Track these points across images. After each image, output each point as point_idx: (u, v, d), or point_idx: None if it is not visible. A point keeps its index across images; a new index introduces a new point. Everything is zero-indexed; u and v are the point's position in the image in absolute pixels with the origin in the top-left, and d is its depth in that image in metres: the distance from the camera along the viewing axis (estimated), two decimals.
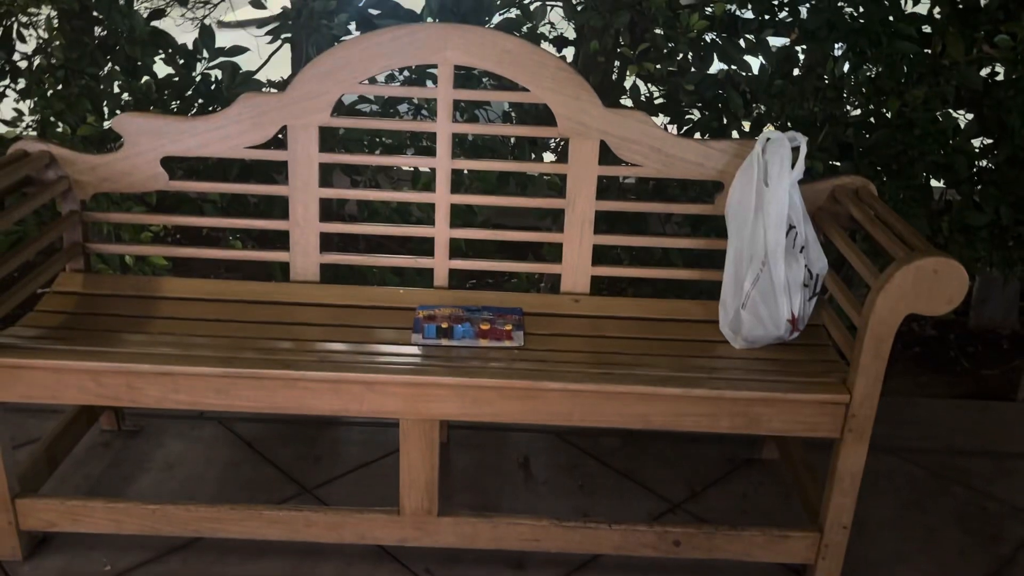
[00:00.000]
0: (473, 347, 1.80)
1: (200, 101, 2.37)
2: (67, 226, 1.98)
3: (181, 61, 2.35)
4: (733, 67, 2.29)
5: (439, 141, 1.95)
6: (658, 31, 2.20)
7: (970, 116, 2.32)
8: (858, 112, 2.33)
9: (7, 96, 2.48)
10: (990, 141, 2.32)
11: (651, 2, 2.12)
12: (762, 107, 2.31)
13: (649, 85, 2.41)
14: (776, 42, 2.30)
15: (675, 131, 2.30)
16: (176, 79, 2.35)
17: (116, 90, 2.39)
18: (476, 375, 1.67)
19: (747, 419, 1.68)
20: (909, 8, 2.24)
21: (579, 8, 2.28)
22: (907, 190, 2.25)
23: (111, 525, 1.79)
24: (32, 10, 2.44)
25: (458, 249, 2.04)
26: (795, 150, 1.83)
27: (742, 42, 2.27)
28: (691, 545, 1.79)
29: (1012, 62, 2.17)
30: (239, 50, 2.36)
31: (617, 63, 2.40)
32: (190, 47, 2.36)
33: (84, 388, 1.68)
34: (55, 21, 2.45)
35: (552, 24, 2.41)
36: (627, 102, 2.38)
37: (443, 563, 1.84)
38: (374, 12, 2.39)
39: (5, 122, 2.45)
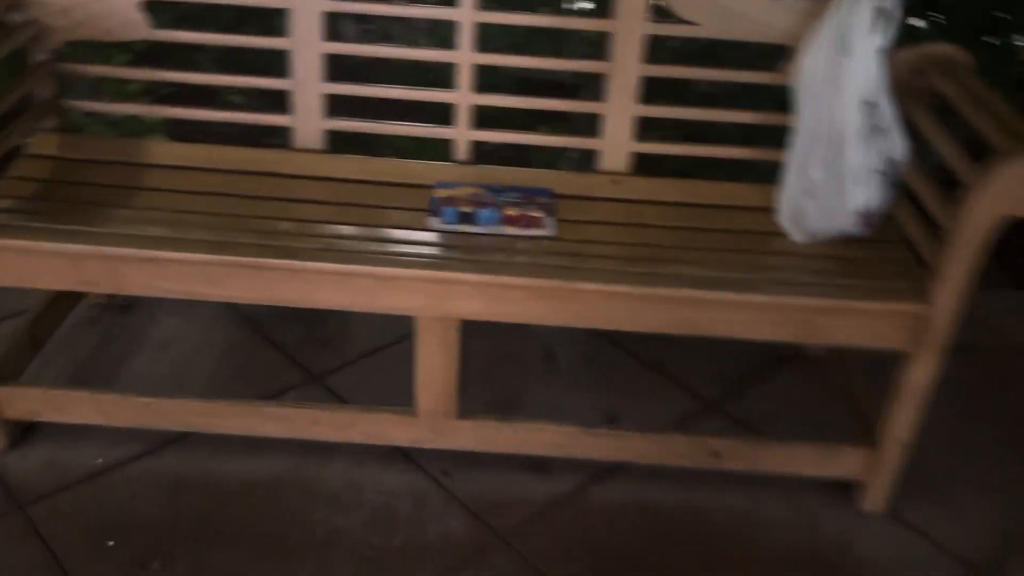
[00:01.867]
0: (498, 235, 1.59)
1: None
2: (38, 79, 1.74)
3: None
4: None
5: None
6: None
7: None
8: None
9: None
10: None
11: None
12: None
13: None
14: None
15: None
16: None
17: None
18: (502, 271, 1.47)
19: (807, 328, 1.49)
20: None
21: None
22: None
23: (99, 416, 1.64)
24: None
25: (481, 118, 1.80)
26: (880, 11, 1.55)
27: None
28: (731, 456, 1.63)
29: None
30: None
31: None
32: None
33: (60, 274, 1.49)
34: None
35: None
36: None
37: (461, 464, 1.70)
38: None
39: None
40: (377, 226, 1.61)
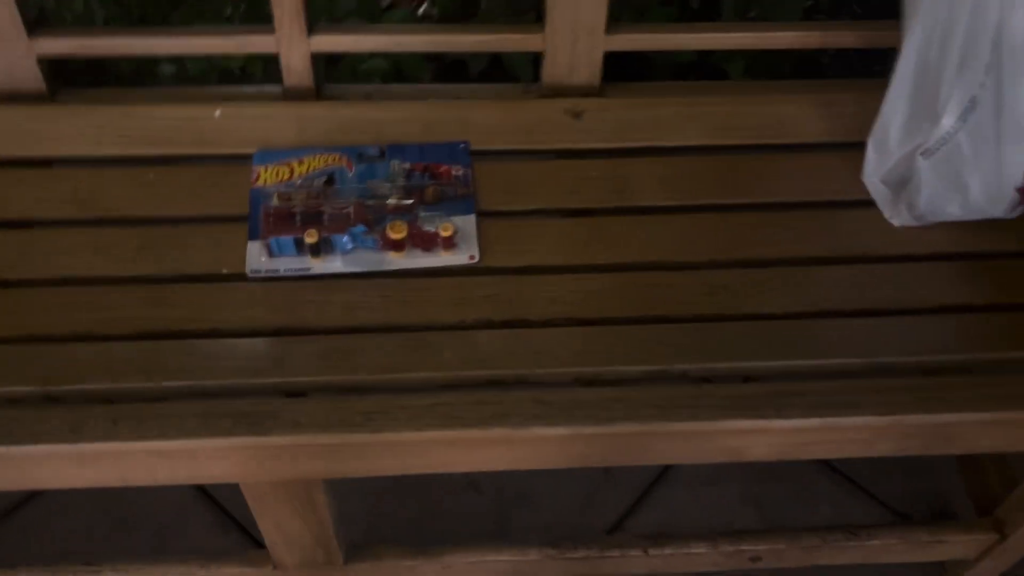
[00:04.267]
0: (373, 275, 0.87)
1: None
2: None
3: None
4: None
5: None
6: None
7: None
8: None
9: None
10: None
11: None
12: None
13: None
14: None
15: None
16: None
17: None
18: (384, 418, 0.77)
19: (942, 441, 0.85)
20: None
21: None
22: None
23: None
24: None
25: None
26: None
27: None
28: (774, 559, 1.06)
29: None
30: None
31: None
32: None
33: None
34: None
35: None
36: None
37: None
38: None
39: None
40: (142, 282, 0.86)
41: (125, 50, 0.97)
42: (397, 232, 0.87)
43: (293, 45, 0.96)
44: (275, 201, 0.90)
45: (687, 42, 1.00)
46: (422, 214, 0.91)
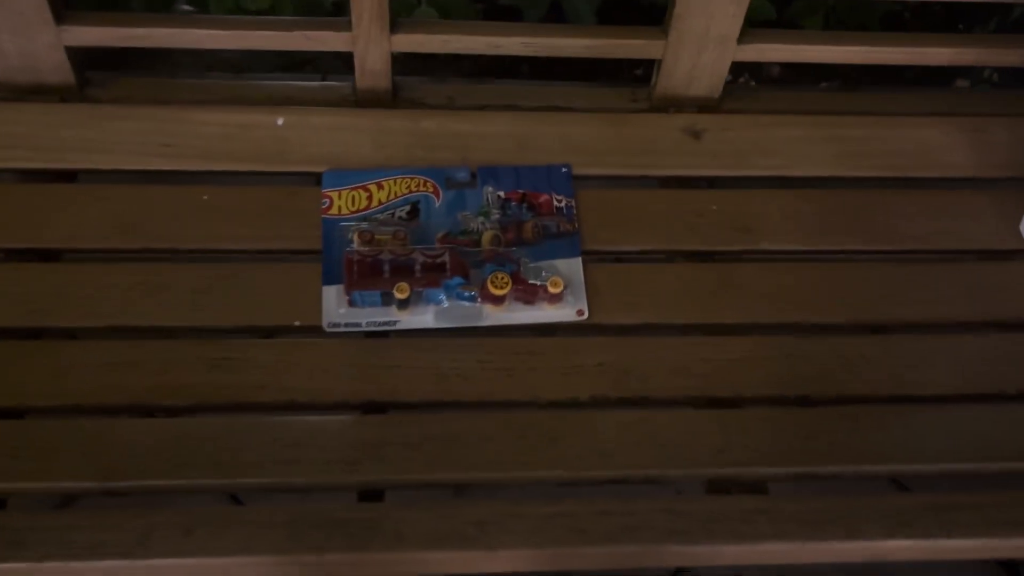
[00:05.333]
0: (465, 341, 0.75)
1: None
2: None
3: None
4: None
5: None
6: None
7: None
8: None
9: None
10: None
11: None
12: None
13: None
14: None
15: None
16: None
17: None
18: (498, 530, 0.66)
19: None
20: None
21: None
22: None
23: None
24: None
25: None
26: None
27: None
28: None
29: None
30: None
31: None
32: None
33: None
34: None
35: None
36: None
37: None
38: None
39: None
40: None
41: (170, 41, 0.81)
42: (499, 288, 0.75)
43: (372, 44, 0.81)
44: (356, 242, 0.77)
45: (828, 54, 0.86)
46: (524, 259, 0.78)
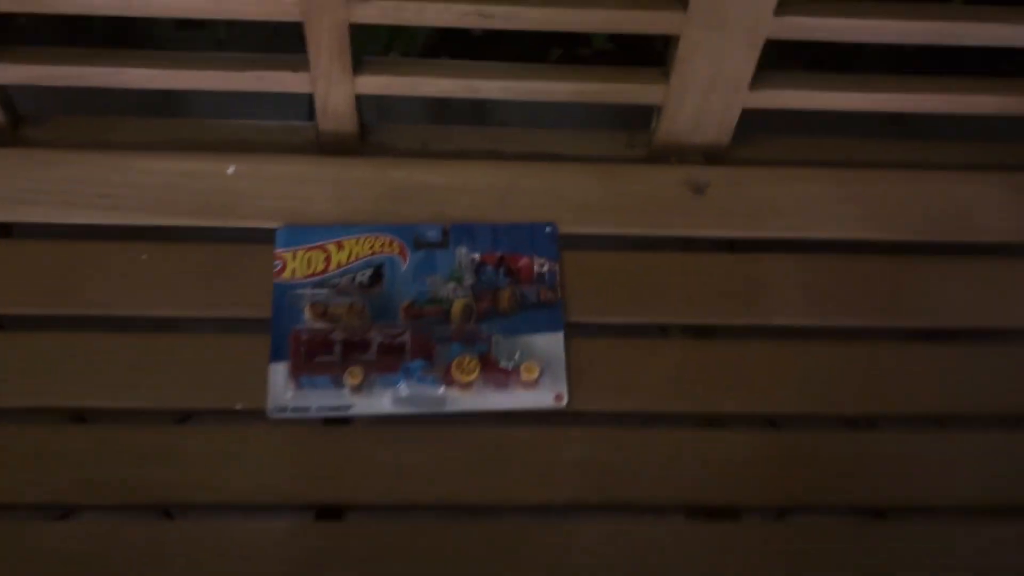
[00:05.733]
0: (426, 430, 0.66)
1: None
2: None
3: None
4: None
5: None
6: None
7: None
8: None
9: None
10: None
11: None
12: None
13: None
14: None
15: None
16: None
17: None
18: None
19: None
20: None
21: None
22: None
23: None
24: None
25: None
26: None
27: None
28: None
29: None
30: None
31: None
32: None
33: None
34: None
35: None
36: None
37: None
38: None
39: None
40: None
41: (107, 81, 0.72)
42: (466, 373, 0.66)
43: (333, 85, 0.72)
44: (307, 317, 0.68)
45: (854, 102, 0.76)
46: (496, 335, 0.69)
